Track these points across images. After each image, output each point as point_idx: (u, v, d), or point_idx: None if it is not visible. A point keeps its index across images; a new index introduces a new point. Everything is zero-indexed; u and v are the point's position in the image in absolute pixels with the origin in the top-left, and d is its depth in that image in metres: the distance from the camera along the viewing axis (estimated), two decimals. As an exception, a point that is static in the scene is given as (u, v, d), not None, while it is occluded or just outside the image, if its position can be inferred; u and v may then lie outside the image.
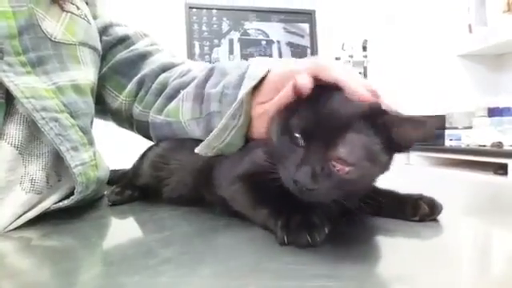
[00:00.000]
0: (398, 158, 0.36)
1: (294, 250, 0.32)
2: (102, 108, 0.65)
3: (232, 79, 0.49)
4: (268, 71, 0.46)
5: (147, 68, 0.62)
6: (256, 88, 0.45)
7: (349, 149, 0.32)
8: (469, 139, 1.89)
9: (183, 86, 0.57)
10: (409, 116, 0.33)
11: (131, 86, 0.61)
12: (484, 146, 1.77)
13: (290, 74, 0.41)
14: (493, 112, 1.98)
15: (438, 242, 0.36)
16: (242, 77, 0.48)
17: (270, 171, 0.37)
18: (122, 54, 0.62)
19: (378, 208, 0.41)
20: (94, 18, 0.61)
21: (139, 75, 0.62)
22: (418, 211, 0.39)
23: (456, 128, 2.04)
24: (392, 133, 0.33)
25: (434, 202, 0.40)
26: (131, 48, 0.63)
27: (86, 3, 0.61)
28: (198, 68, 0.60)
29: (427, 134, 0.33)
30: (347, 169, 0.32)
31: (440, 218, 0.40)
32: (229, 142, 0.46)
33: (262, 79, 0.45)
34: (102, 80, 0.62)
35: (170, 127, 0.57)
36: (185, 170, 0.52)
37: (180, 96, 0.56)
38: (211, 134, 0.47)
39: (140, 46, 0.63)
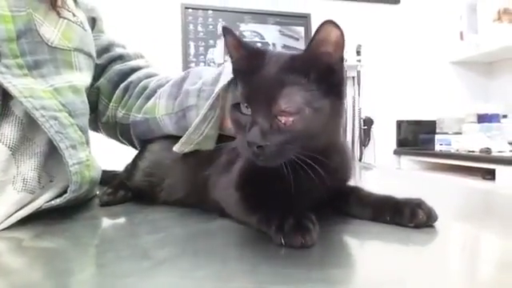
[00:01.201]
0: (390, 163, 0.37)
1: (288, 254, 0.32)
2: (95, 117, 0.68)
3: (209, 78, 0.53)
4: None
5: (134, 77, 0.66)
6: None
7: (287, 100, 0.34)
8: (458, 144, 1.92)
9: (160, 86, 0.60)
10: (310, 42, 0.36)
11: (118, 92, 0.65)
12: (473, 151, 1.80)
13: None
14: (482, 118, 2.02)
15: (428, 247, 0.37)
16: (218, 75, 0.51)
17: (262, 173, 0.38)
18: (117, 67, 0.67)
19: (375, 213, 0.42)
20: (101, 32, 0.66)
21: (125, 82, 0.65)
22: (414, 219, 0.39)
23: (446, 133, 2.07)
24: (320, 61, 0.35)
25: (431, 212, 0.40)
26: (126, 63, 0.67)
27: (94, 19, 0.65)
28: (176, 75, 0.64)
29: (331, 35, 0.35)
30: (291, 119, 0.34)
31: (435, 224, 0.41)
32: (206, 135, 0.49)
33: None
34: (97, 89, 0.66)
35: (147, 124, 0.59)
36: (177, 173, 0.52)
37: (157, 94, 0.59)
38: (191, 127, 0.49)
39: (134, 63, 0.69)
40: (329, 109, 0.36)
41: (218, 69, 0.54)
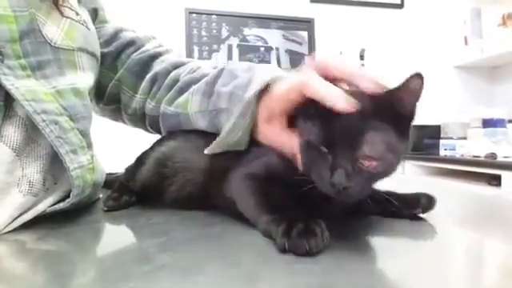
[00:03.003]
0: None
1: (291, 259, 0.32)
2: (117, 108, 0.67)
3: (243, 81, 0.50)
4: (273, 79, 0.47)
5: (158, 67, 0.64)
6: (264, 91, 0.47)
7: (371, 146, 0.36)
8: (463, 149, 1.90)
9: (194, 81, 0.58)
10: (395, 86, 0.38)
11: (144, 83, 0.63)
12: (478, 156, 1.79)
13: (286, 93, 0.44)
14: (487, 123, 2.00)
15: (432, 253, 0.36)
16: (248, 82, 0.49)
17: (286, 174, 0.40)
18: (135, 56, 0.64)
19: (380, 206, 0.45)
20: (105, 22, 0.64)
21: (151, 73, 0.63)
22: (419, 204, 0.44)
23: (451, 138, 2.06)
24: (395, 106, 0.38)
25: (432, 197, 0.45)
26: (142, 49, 0.65)
27: (95, 9, 0.63)
28: (207, 66, 0.62)
29: (417, 87, 0.37)
30: (375, 163, 0.36)
31: (434, 228, 0.42)
32: (237, 141, 0.48)
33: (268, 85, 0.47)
34: (118, 81, 0.64)
35: (177, 118, 0.58)
36: (192, 168, 0.52)
37: (191, 90, 0.57)
38: (221, 135, 0.48)
39: (150, 48, 0.65)
40: (402, 149, 0.39)
41: (249, 74, 0.51)
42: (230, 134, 0.48)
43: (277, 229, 0.35)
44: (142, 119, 0.66)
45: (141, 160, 0.59)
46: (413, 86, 0.37)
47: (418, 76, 0.37)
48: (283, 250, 0.33)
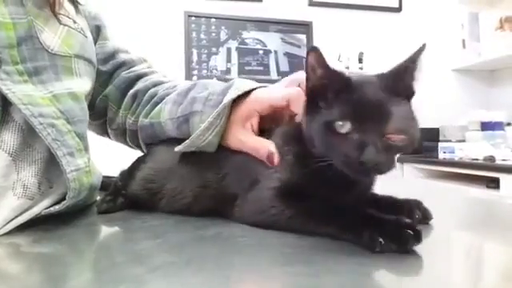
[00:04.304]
0: (392, 171, 0.38)
1: (283, 262, 0.32)
2: (104, 122, 0.70)
3: (217, 89, 0.54)
4: (253, 88, 0.51)
5: (141, 85, 0.67)
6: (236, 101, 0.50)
7: (398, 120, 0.37)
8: (462, 152, 1.91)
9: (168, 95, 0.62)
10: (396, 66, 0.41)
11: (127, 99, 0.67)
12: (476, 159, 1.79)
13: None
14: (485, 126, 2.01)
15: (426, 256, 0.36)
16: (226, 88, 0.53)
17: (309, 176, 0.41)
18: (124, 74, 0.68)
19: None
20: (106, 39, 0.68)
21: (133, 90, 0.67)
22: (411, 216, 0.42)
23: (449, 141, 2.06)
24: (405, 80, 0.40)
25: (427, 211, 0.44)
26: (131, 69, 0.69)
27: (99, 27, 0.66)
28: (184, 83, 0.65)
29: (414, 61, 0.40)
30: (402, 136, 0.37)
31: (431, 232, 0.41)
32: (210, 141, 0.50)
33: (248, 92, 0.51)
34: (106, 97, 0.67)
35: (152, 128, 0.61)
36: (182, 178, 0.52)
37: (164, 101, 0.61)
38: (193, 135, 0.50)
39: (138, 68, 0.69)
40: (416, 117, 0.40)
41: (227, 83, 0.55)
42: (205, 133, 0.50)
43: (357, 234, 0.35)
44: (123, 134, 0.69)
45: (131, 172, 0.59)
46: (417, 58, 0.40)
47: (424, 47, 0.40)
48: (377, 251, 0.33)
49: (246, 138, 0.49)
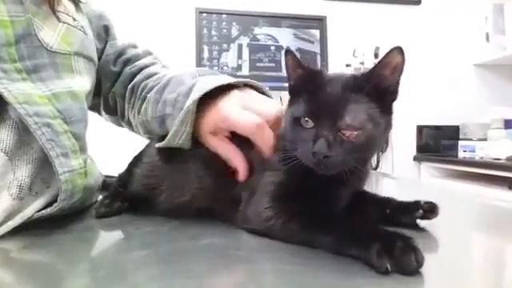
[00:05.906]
0: (409, 170, 0.36)
1: (276, 275, 0.30)
2: (117, 119, 0.72)
3: (186, 88, 0.54)
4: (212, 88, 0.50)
5: (138, 77, 0.67)
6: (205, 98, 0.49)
7: (353, 116, 0.38)
8: (483, 151, 1.82)
9: (153, 88, 0.62)
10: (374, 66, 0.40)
11: (127, 93, 0.68)
12: (499, 159, 1.70)
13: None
14: (509, 124, 1.91)
15: (428, 262, 0.33)
16: (189, 89, 0.53)
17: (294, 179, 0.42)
18: (127, 70, 0.68)
19: (379, 213, 0.45)
20: (115, 38, 0.69)
21: (131, 84, 0.67)
22: (419, 208, 0.43)
23: (470, 139, 1.98)
24: (380, 82, 0.40)
25: (434, 204, 0.43)
26: (135, 63, 0.70)
27: (107, 26, 0.67)
28: (167, 75, 0.63)
29: (397, 61, 0.39)
30: (355, 133, 0.38)
31: (435, 238, 0.41)
32: (182, 143, 0.51)
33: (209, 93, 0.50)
34: (114, 93, 0.69)
35: (143, 125, 0.63)
36: (180, 174, 0.52)
37: (148, 96, 0.62)
38: (167, 138, 0.51)
39: (141, 62, 0.70)
40: (384, 124, 0.41)
41: (194, 80, 0.55)
42: (175, 138, 0.51)
43: (364, 250, 0.32)
44: (130, 125, 0.70)
45: (129, 170, 0.58)
46: (392, 61, 0.39)
47: (398, 50, 0.38)
48: (386, 272, 0.30)
49: (215, 145, 0.49)
